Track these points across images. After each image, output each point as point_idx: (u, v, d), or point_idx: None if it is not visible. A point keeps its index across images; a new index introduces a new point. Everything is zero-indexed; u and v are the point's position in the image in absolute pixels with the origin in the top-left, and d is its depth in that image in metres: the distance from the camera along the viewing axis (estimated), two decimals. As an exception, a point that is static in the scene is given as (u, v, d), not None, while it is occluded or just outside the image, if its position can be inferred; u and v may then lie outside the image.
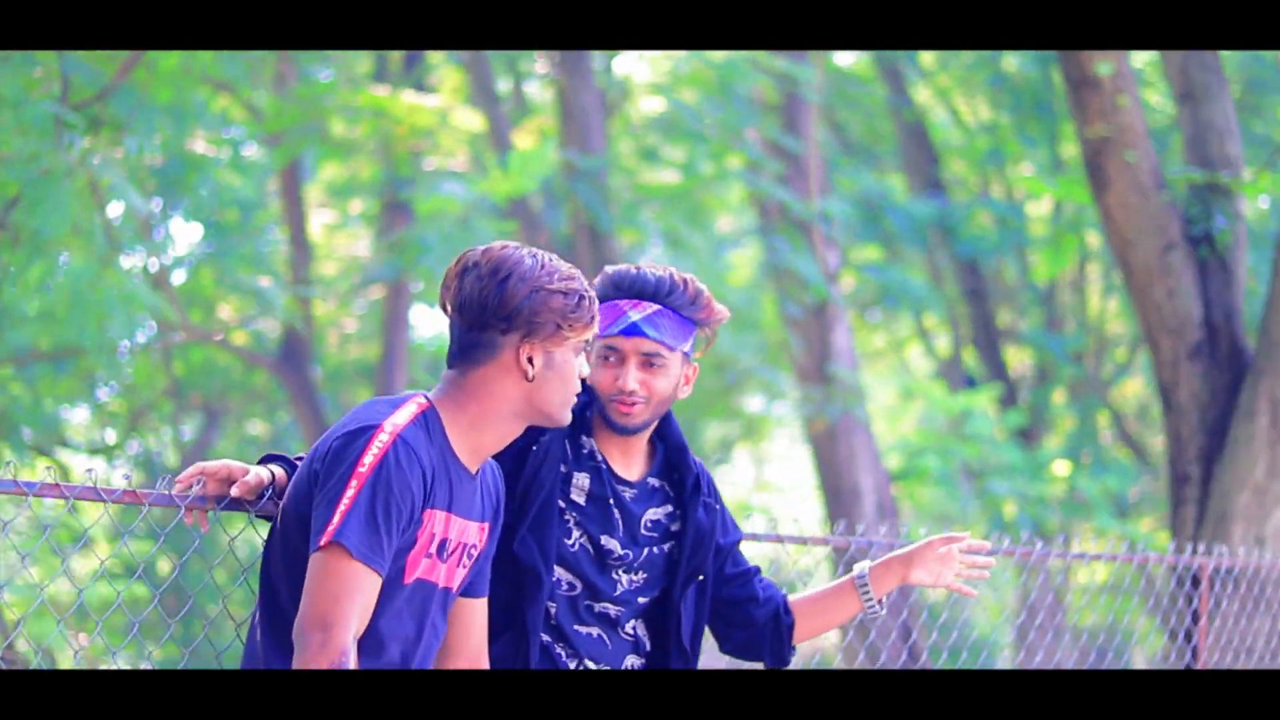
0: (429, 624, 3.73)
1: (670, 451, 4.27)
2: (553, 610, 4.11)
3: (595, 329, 3.79)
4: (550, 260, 3.75)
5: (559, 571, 4.12)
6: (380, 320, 17.54)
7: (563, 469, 4.14)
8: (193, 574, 13.52)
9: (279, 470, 3.90)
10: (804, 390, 13.13)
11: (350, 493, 3.51)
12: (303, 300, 14.55)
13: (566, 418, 3.79)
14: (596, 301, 3.79)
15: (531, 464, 4.07)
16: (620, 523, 4.18)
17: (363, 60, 13.92)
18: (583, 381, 4.01)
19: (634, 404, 4.13)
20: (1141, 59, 12.16)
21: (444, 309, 3.78)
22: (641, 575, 4.21)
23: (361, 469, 3.52)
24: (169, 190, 9.55)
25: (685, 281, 4.20)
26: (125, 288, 7.52)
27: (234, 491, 3.79)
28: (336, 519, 3.50)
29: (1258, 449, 9.35)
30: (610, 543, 4.16)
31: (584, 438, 4.19)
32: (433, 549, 3.68)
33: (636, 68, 12.17)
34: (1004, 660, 15.45)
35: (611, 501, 4.17)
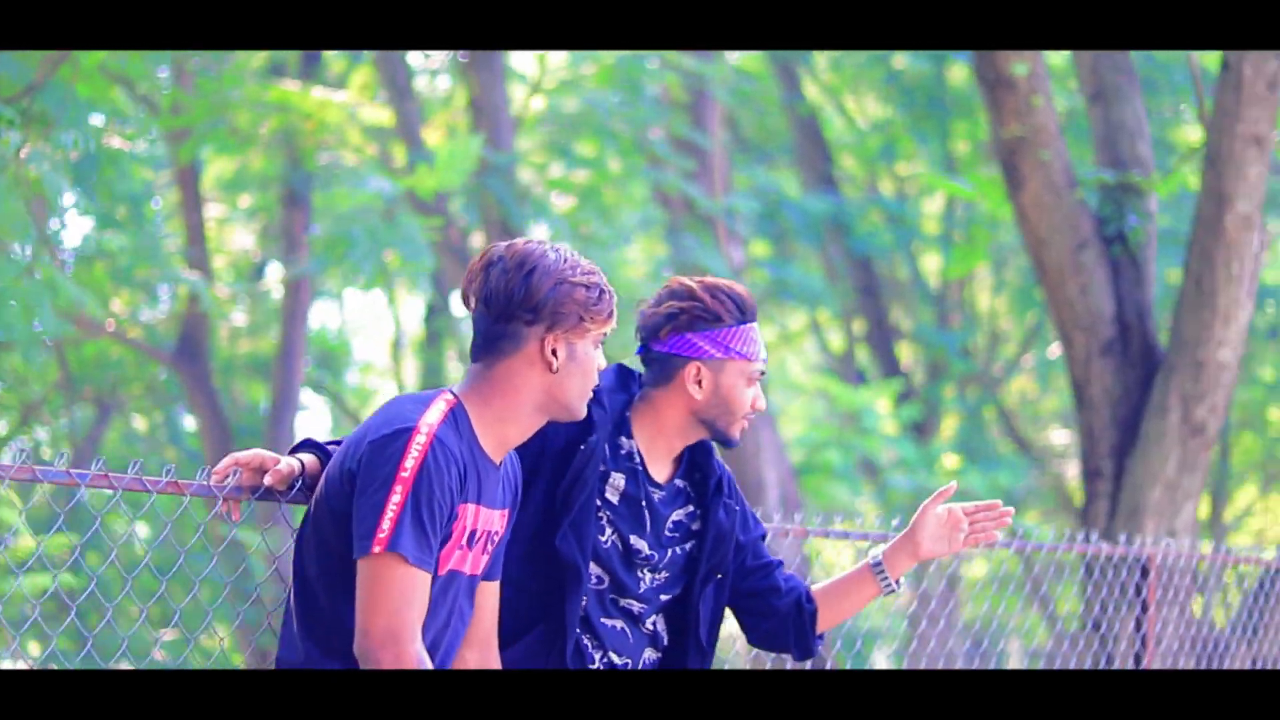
0: (457, 610, 3.80)
1: (696, 453, 4.35)
2: (583, 603, 4.18)
3: (613, 323, 3.86)
4: (572, 255, 3.82)
5: (591, 566, 4.20)
6: (274, 313, 17.47)
7: (600, 468, 4.19)
8: (92, 566, 13.42)
9: (309, 458, 3.94)
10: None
11: (396, 498, 3.56)
12: (195, 295, 14.45)
13: (583, 411, 3.86)
14: (615, 296, 3.86)
15: (578, 462, 4.13)
16: (649, 523, 4.26)
17: (257, 55, 13.85)
18: (619, 379, 4.07)
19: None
20: (1054, 59, 12.31)
21: (466, 303, 3.83)
22: (664, 575, 4.30)
23: (404, 473, 3.58)
24: (83, 184, 9.48)
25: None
26: (54, 281, 7.46)
27: (267, 481, 3.83)
28: (388, 526, 3.55)
29: (1169, 445, 9.52)
30: (639, 543, 4.24)
31: (623, 439, 4.25)
32: (464, 540, 3.76)
33: (548, 64, 12.20)
34: (889, 650, 15.61)
35: (644, 503, 4.25)
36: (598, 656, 4.22)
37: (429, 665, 3.57)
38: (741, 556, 4.39)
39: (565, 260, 3.78)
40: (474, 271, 3.79)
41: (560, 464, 4.13)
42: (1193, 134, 14.45)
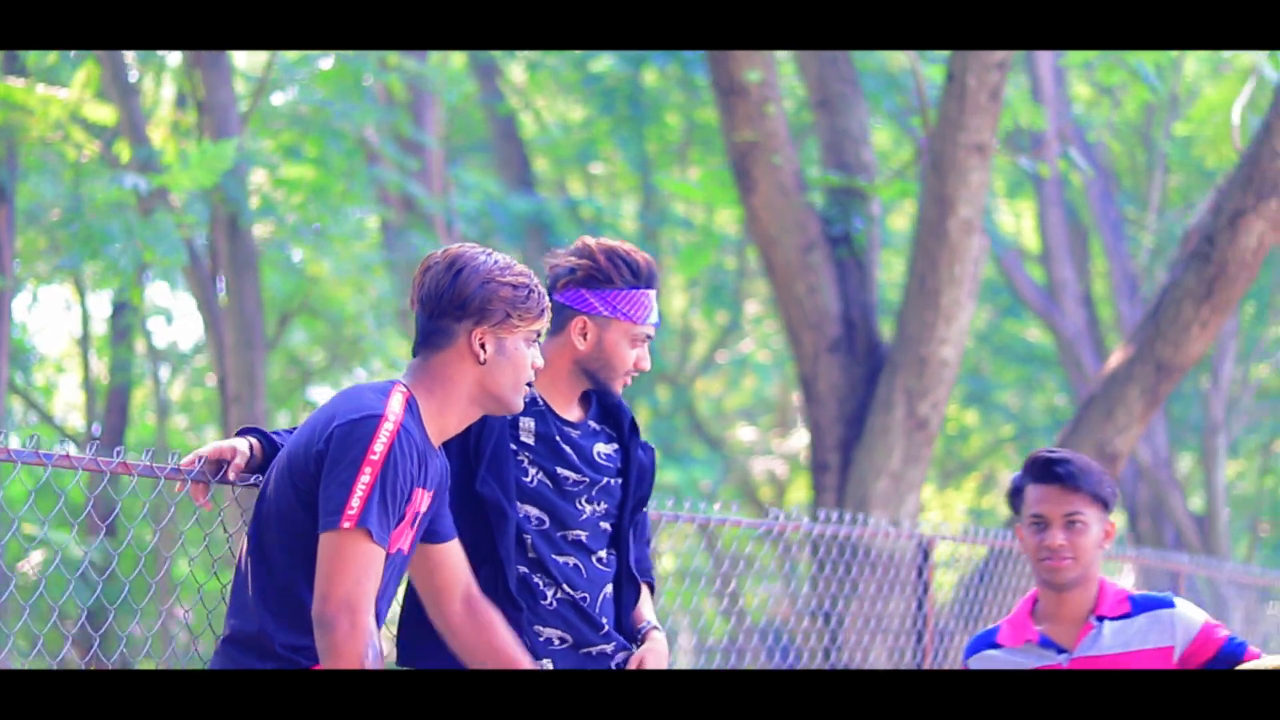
0: (392, 586, 4.04)
1: (603, 399, 4.63)
2: (529, 543, 4.42)
3: (545, 322, 4.10)
4: (504, 259, 4.07)
5: (526, 508, 4.44)
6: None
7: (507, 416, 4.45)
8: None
9: (255, 442, 4.18)
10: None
11: (365, 479, 3.78)
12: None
13: (518, 404, 4.09)
14: (546, 297, 4.10)
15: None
16: (572, 454, 4.52)
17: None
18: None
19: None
20: (784, 68, 12.71)
21: (412, 305, 4.08)
22: (602, 505, 4.56)
23: (374, 456, 3.79)
24: None
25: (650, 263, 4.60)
26: None
27: (231, 475, 4.12)
28: (357, 504, 3.76)
29: (894, 439, 9.99)
30: (565, 472, 4.50)
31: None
32: (414, 523, 3.99)
33: (273, 62, 12.19)
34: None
35: (558, 438, 4.51)
36: (550, 593, 4.46)
37: (376, 637, 3.79)
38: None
39: (495, 262, 4.03)
40: (415, 276, 4.05)
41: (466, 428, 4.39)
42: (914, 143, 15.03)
